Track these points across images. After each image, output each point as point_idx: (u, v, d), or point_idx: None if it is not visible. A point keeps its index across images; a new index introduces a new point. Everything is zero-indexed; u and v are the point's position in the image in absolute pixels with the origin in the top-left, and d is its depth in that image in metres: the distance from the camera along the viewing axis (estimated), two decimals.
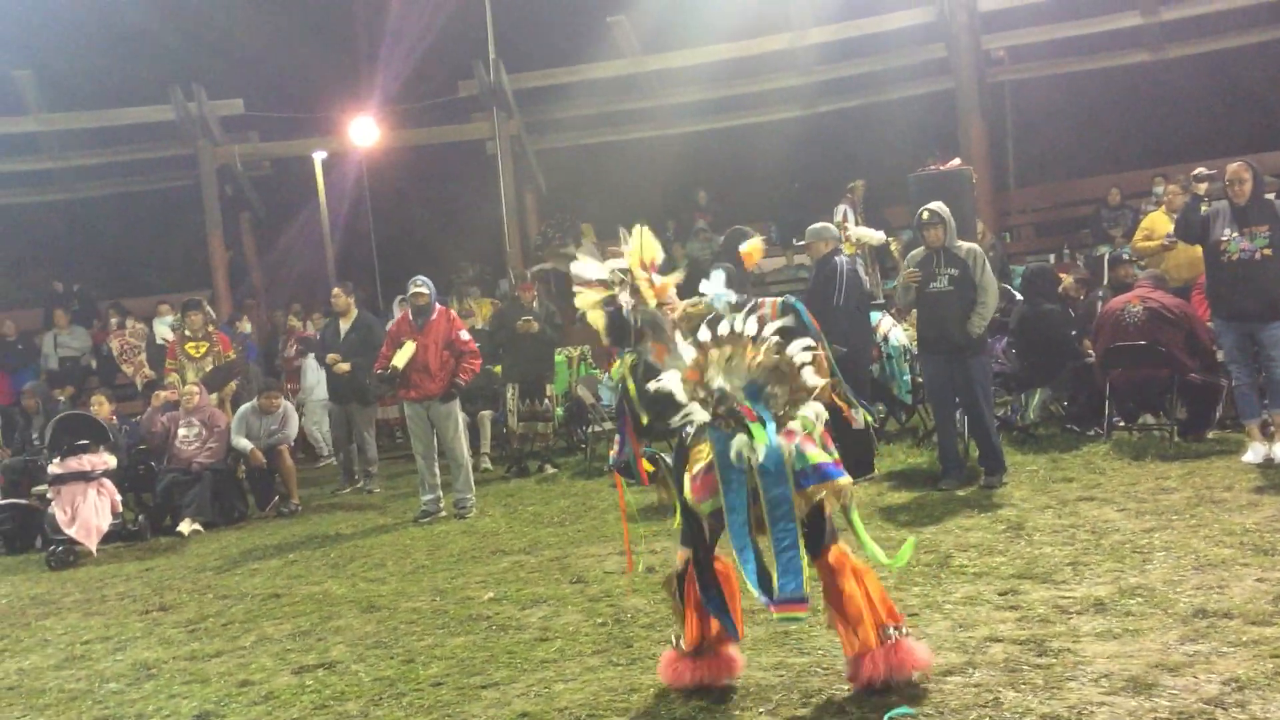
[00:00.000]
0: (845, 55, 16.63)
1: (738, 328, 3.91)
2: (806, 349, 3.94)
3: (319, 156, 17.26)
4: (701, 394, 3.92)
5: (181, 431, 10.41)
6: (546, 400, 11.31)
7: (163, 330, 14.63)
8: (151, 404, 10.96)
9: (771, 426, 3.86)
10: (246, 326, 15.38)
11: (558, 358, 12.26)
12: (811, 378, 3.90)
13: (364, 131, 16.99)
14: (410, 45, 18.44)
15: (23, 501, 10.29)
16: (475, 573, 6.89)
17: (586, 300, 4.40)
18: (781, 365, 3.88)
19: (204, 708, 4.83)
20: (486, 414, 11.98)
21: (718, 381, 3.89)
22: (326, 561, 7.86)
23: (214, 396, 11.26)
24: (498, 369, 11.60)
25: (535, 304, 11.33)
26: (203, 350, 12.33)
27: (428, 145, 18.54)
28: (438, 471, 9.37)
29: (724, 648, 4.30)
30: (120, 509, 9.63)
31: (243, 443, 10.45)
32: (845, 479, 3.96)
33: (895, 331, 10.01)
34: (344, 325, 11.05)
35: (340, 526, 9.32)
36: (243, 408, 10.93)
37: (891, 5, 15.73)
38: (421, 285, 9.41)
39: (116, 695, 5.18)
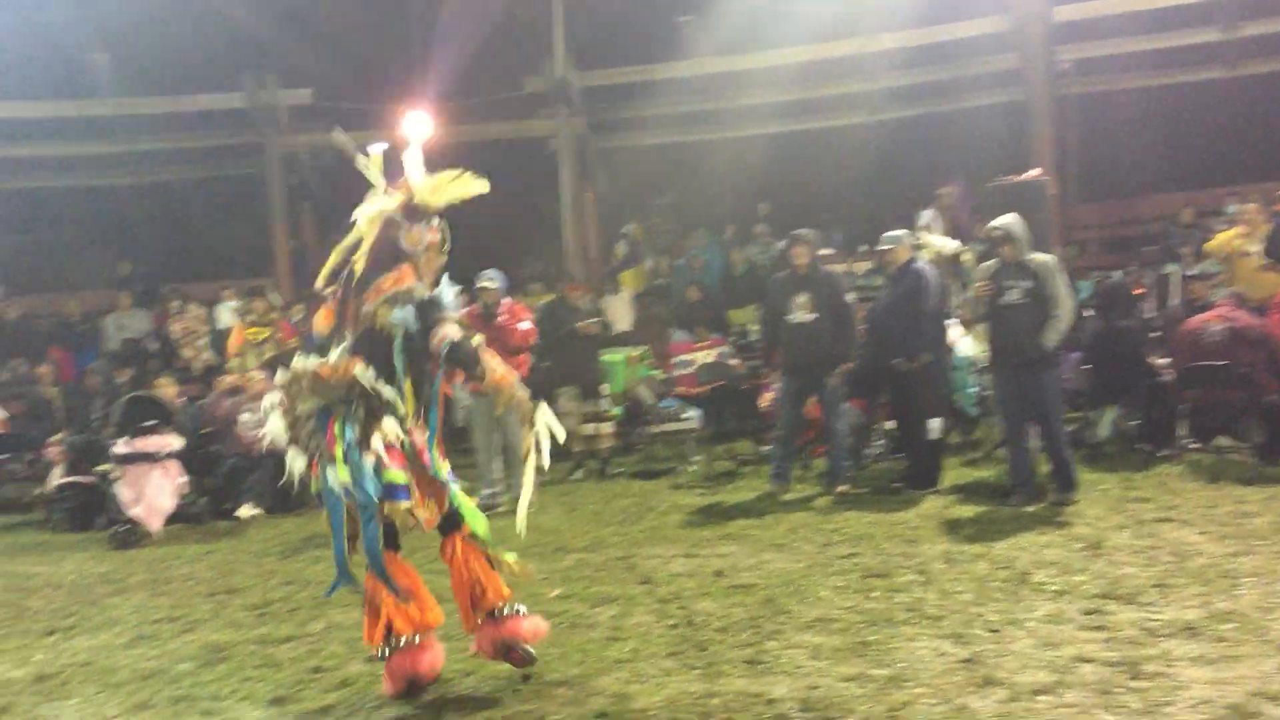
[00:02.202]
0: (916, 62, 16.45)
1: (308, 365, 4.44)
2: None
3: (378, 149, 17.30)
4: (292, 419, 4.48)
5: (244, 417, 10.46)
6: (602, 400, 11.26)
7: (225, 316, 14.76)
8: (216, 388, 11.05)
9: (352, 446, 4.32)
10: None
11: (615, 357, 12.19)
12: (388, 392, 4.37)
13: (418, 125, 16.97)
14: (473, 41, 18.47)
15: (85, 480, 10.40)
16: (539, 569, 6.83)
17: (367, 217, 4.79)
18: (360, 384, 4.33)
19: (279, 693, 4.84)
20: None
21: (306, 405, 4.41)
22: None
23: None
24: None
25: (584, 304, 11.31)
26: (263, 336, 12.43)
27: (490, 141, 18.51)
28: (496, 467, 9.36)
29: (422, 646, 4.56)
30: (186, 490, 9.72)
31: None
32: (405, 502, 4.43)
33: (963, 342, 9.87)
34: None
35: None
36: None
37: (965, 13, 15.54)
38: (488, 280, 9.40)
39: (190, 676, 5.20)
